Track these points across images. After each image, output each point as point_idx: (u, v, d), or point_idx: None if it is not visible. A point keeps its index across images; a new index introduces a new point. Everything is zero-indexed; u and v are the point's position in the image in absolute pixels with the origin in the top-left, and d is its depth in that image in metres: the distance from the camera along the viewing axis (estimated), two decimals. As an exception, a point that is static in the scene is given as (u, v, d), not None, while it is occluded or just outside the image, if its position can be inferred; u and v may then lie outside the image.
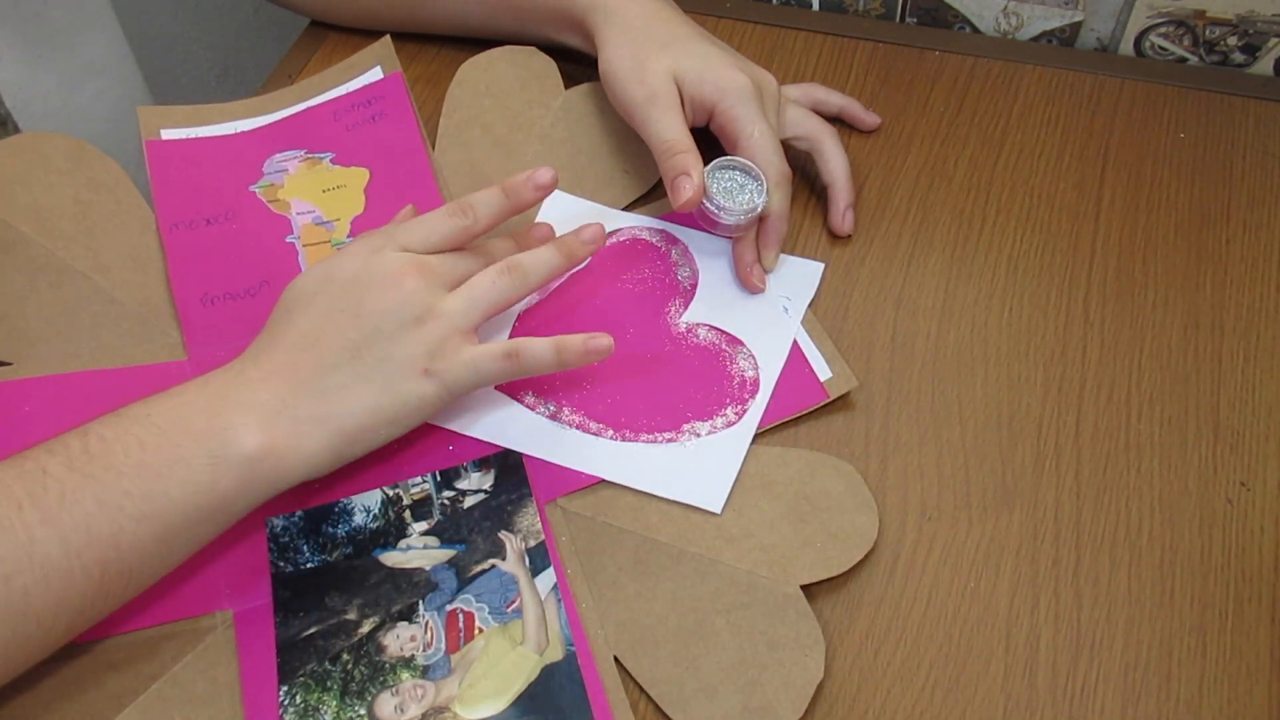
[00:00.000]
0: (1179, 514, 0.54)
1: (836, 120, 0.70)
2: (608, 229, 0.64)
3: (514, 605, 0.51)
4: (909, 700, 0.49)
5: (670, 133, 0.60)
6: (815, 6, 0.79)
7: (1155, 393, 0.58)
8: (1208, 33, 0.72)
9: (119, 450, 0.47)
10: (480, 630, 0.50)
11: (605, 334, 0.55)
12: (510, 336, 0.60)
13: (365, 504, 0.55)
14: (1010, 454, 0.56)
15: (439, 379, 0.52)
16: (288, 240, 0.64)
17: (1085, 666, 0.50)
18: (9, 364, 0.59)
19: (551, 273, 0.57)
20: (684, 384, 0.58)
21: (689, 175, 0.59)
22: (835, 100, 0.70)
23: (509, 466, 0.56)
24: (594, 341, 0.55)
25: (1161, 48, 0.74)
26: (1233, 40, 0.72)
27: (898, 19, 0.78)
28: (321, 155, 0.68)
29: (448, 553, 0.53)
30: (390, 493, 0.55)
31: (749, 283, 0.61)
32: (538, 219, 0.65)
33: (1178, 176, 0.67)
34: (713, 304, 0.61)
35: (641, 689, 0.49)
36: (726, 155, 0.61)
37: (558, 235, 0.60)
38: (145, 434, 0.48)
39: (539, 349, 0.54)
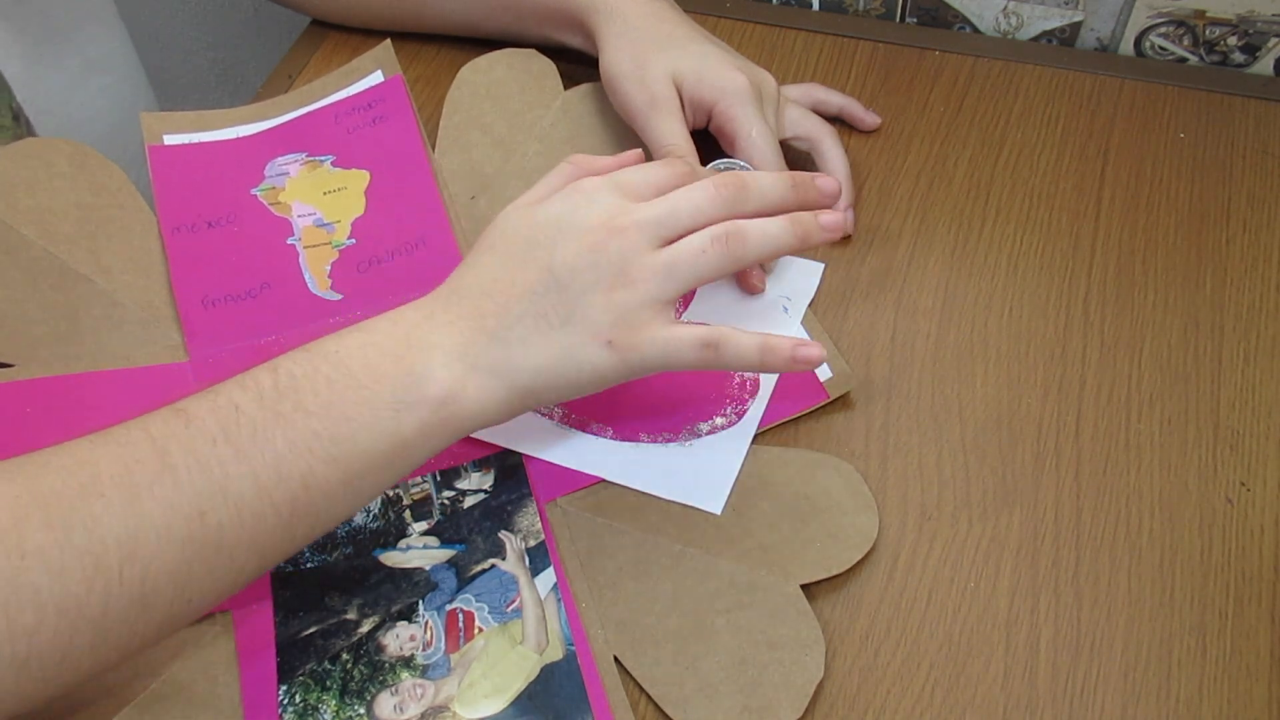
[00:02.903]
0: (1179, 514, 0.54)
1: (836, 120, 0.70)
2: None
3: (514, 605, 0.51)
4: (909, 700, 0.49)
5: (669, 137, 0.60)
6: (815, 6, 0.79)
7: (1155, 393, 0.58)
8: (1208, 33, 0.72)
9: (308, 389, 0.46)
10: (480, 630, 0.51)
11: (816, 344, 0.51)
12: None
13: (365, 504, 0.55)
14: (1010, 454, 0.56)
15: (621, 354, 0.49)
16: (289, 242, 0.64)
17: (1085, 666, 0.50)
18: (11, 365, 0.59)
19: (776, 252, 0.51)
20: (684, 384, 0.58)
21: None
22: (835, 100, 0.70)
23: (509, 466, 0.56)
24: (803, 350, 0.51)
25: (1161, 48, 0.74)
26: (1233, 40, 0.72)
27: (898, 19, 0.78)
28: (322, 158, 0.68)
29: (447, 552, 0.53)
30: (390, 492, 0.55)
31: (748, 283, 0.61)
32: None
33: (1178, 176, 0.67)
34: (712, 304, 0.61)
35: (641, 689, 0.49)
36: (725, 157, 0.61)
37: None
38: (334, 373, 0.47)
39: (744, 345, 0.50)
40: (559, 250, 0.49)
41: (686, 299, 0.62)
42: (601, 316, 0.48)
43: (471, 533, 0.54)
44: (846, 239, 0.65)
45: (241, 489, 0.44)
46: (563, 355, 0.48)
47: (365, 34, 0.76)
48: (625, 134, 0.66)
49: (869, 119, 0.70)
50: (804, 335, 0.60)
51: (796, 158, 0.66)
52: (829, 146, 0.65)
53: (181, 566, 0.43)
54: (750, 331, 0.50)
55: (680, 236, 0.50)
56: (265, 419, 0.45)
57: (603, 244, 0.48)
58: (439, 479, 0.56)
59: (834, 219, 0.53)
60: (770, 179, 0.52)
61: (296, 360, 0.47)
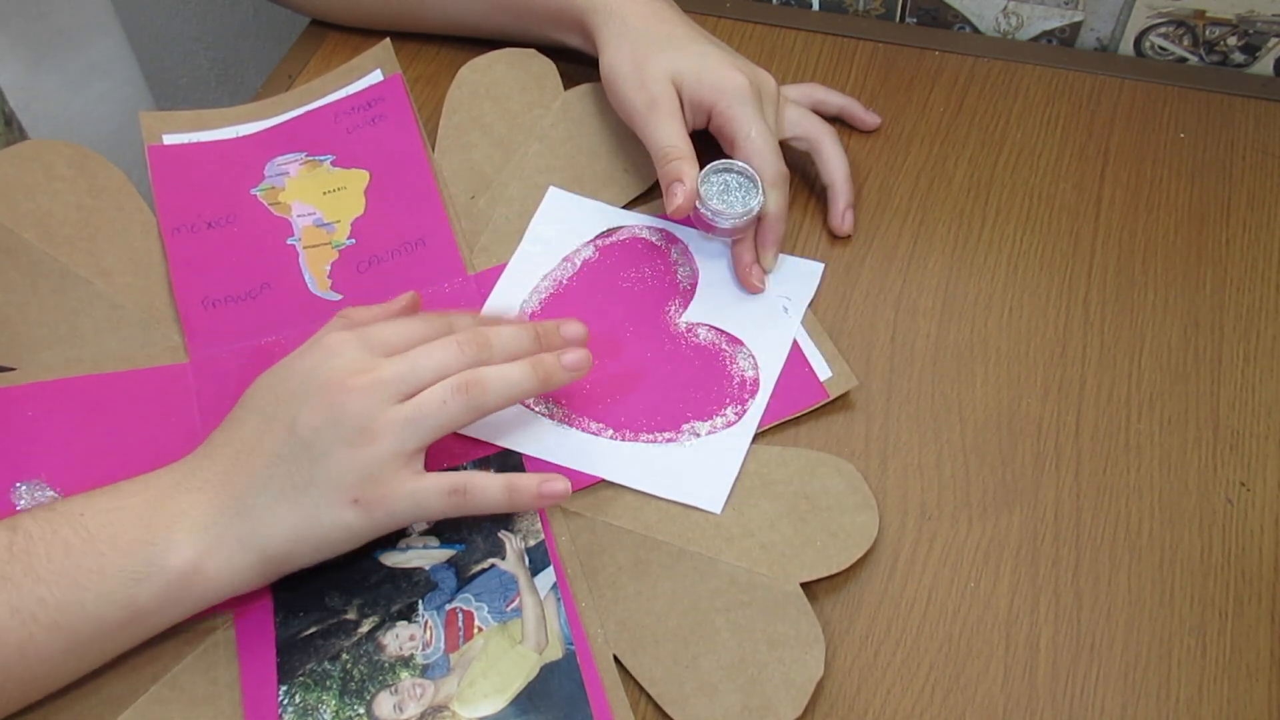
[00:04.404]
0: (1179, 514, 0.54)
1: (837, 120, 0.70)
2: (608, 227, 0.65)
3: (513, 604, 0.51)
4: (909, 700, 0.49)
5: (667, 139, 0.60)
6: (815, 6, 0.79)
7: (1155, 393, 0.58)
8: (1208, 33, 0.72)
9: (42, 552, 0.45)
10: (479, 629, 0.51)
11: (561, 477, 0.51)
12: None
13: (365, 504, 0.55)
14: (1010, 454, 0.56)
15: (368, 511, 0.48)
16: (288, 242, 0.64)
17: (1085, 666, 0.50)
18: (12, 369, 0.59)
19: (518, 396, 0.51)
20: (684, 384, 0.58)
21: (682, 182, 0.59)
22: (835, 100, 0.70)
23: (509, 467, 0.56)
24: (548, 485, 0.51)
25: (1161, 48, 0.74)
26: (1233, 40, 0.72)
27: (898, 19, 0.78)
28: (322, 158, 0.68)
29: (447, 552, 0.53)
30: (390, 493, 0.55)
31: (748, 283, 0.61)
32: (538, 213, 0.65)
33: (1178, 176, 0.67)
34: (712, 304, 0.61)
35: (641, 688, 0.49)
36: (725, 158, 0.61)
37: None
38: (72, 537, 0.46)
39: (489, 490, 0.50)
40: (302, 410, 0.48)
41: (687, 298, 0.62)
42: (345, 476, 0.48)
43: (471, 532, 0.54)
44: (847, 239, 0.65)
45: None
46: (309, 519, 0.48)
47: (365, 34, 0.76)
48: (625, 134, 0.66)
49: (869, 119, 0.70)
50: (804, 334, 0.60)
51: (796, 158, 0.66)
52: (828, 147, 0.65)
53: None
54: (494, 475, 0.51)
55: (421, 389, 0.49)
56: None
57: (343, 402, 0.48)
58: (439, 479, 0.55)
59: (576, 358, 0.53)
60: (511, 332, 0.52)
61: (38, 520, 0.47)
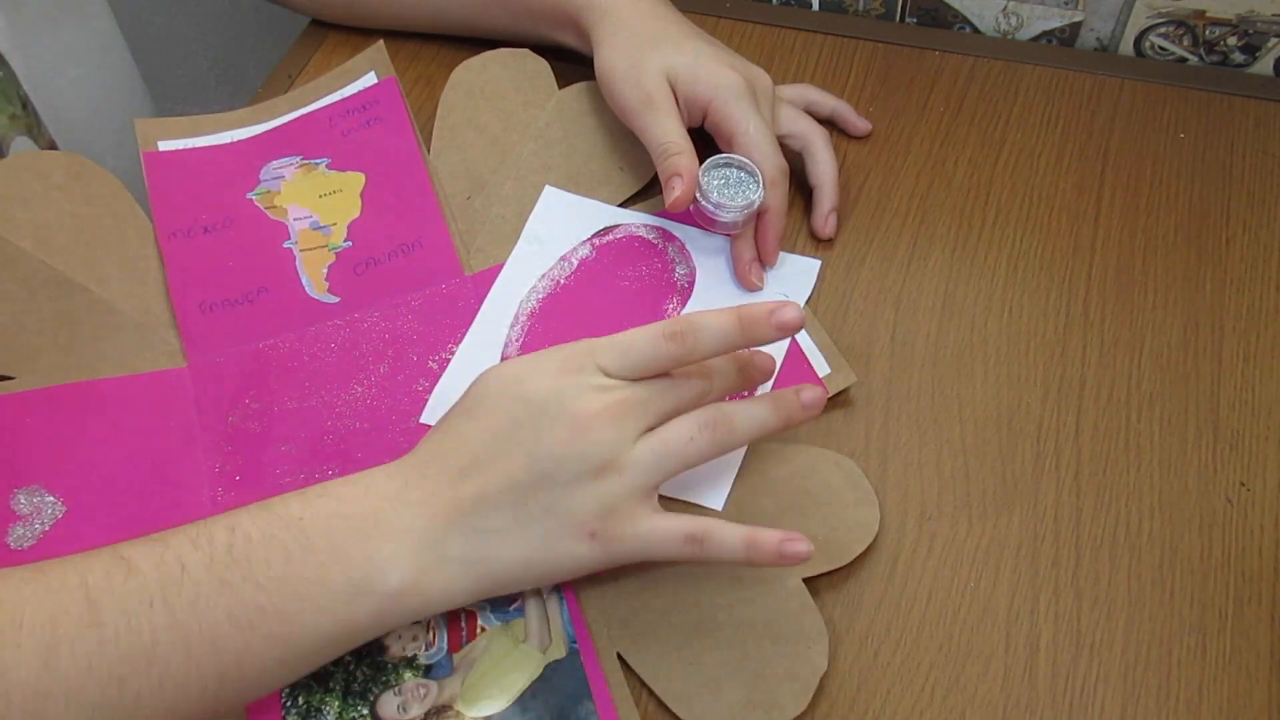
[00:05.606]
0: (1179, 514, 0.54)
1: (828, 123, 0.70)
2: (604, 225, 0.65)
3: (516, 604, 0.51)
4: (909, 700, 0.49)
5: (665, 134, 0.60)
6: (815, 6, 0.79)
7: (1155, 393, 0.58)
8: (1208, 33, 0.72)
9: (261, 559, 0.44)
10: (482, 629, 0.51)
11: (804, 538, 0.47)
12: (520, 336, 0.60)
13: (366, 505, 0.55)
14: (1010, 454, 0.56)
15: (603, 546, 0.46)
16: (285, 246, 0.64)
17: (1085, 666, 0.50)
18: (11, 378, 0.59)
19: (762, 434, 0.50)
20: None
21: (681, 176, 0.59)
22: (828, 102, 0.70)
23: (509, 467, 0.56)
24: (789, 546, 0.47)
25: (1161, 48, 0.74)
26: (1233, 40, 0.72)
27: (898, 19, 0.78)
28: (317, 161, 0.68)
29: (448, 554, 0.53)
30: (391, 494, 0.55)
31: (747, 281, 0.61)
32: (534, 213, 0.65)
33: (1178, 176, 0.67)
34: (710, 302, 0.61)
35: (645, 685, 0.49)
36: (722, 153, 0.61)
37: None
38: (292, 544, 0.44)
39: (729, 541, 0.47)
40: (543, 436, 0.46)
41: (685, 297, 0.62)
42: (586, 507, 0.46)
43: (472, 533, 0.54)
44: (847, 238, 0.65)
45: (169, 658, 0.41)
46: (541, 548, 0.46)
47: (365, 33, 0.76)
48: (620, 132, 0.66)
49: (860, 124, 0.70)
50: (801, 332, 0.60)
51: (789, 158, 0.65)
52: (820, 148, 0.65)
53: None
54: (735, 526, 0.47)
55: (665, 419, 0.48)
56: (211, 586, 0.43)
57: (587, 431, 0.46)
58: (439, 480, 0.55)
59: (813, 396, 0.51)
60: (721, 363, 0.50)
61: (256, 521, 0.45)
